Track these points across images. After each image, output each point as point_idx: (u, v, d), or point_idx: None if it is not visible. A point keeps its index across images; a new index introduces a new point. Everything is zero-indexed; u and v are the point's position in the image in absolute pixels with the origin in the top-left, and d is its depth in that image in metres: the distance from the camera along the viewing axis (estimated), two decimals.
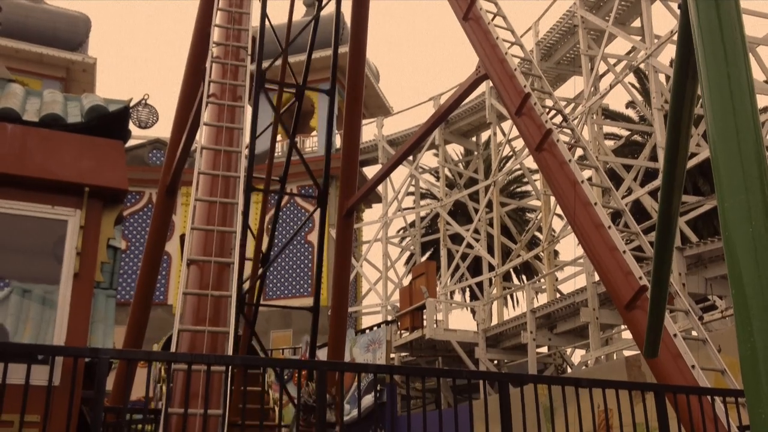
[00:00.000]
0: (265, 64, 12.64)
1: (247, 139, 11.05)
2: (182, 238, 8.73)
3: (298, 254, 31.67)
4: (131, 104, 6.45)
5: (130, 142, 26.99)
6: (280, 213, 30.66)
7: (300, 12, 35.62)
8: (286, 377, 17.95)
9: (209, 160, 8.56)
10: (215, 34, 9.88)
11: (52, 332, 5.41)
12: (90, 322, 5.86)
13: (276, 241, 29.63)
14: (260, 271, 13.14)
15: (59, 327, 5.39)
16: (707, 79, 2.06)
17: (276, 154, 22.89)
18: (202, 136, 8.77)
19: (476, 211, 30.24)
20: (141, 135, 30.26)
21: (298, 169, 25.95)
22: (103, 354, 5.13)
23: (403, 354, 25.27)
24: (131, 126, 6.61)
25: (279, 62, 13.83)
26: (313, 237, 31.83)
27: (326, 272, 30.14)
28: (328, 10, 18.69)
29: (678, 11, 2.51)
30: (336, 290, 14.55)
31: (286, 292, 30.95)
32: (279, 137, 32.81)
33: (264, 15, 12.16)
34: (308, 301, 31.38)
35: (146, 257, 14.86)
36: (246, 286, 12.68)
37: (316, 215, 28.43)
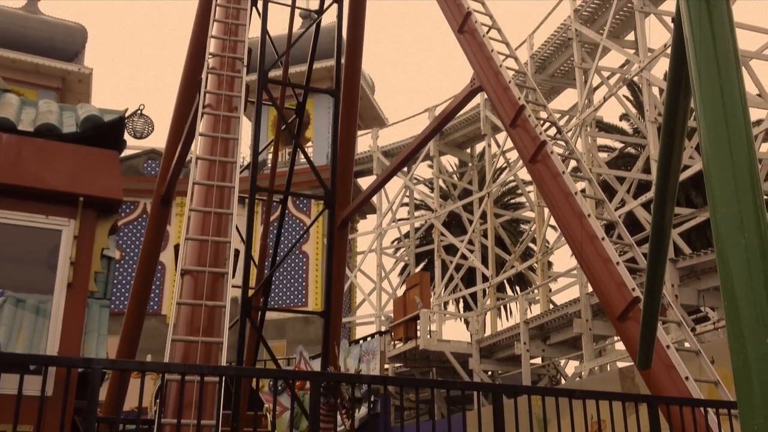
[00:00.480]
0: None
1: (245, 147, 11.05)
2: (176, 248, 8.67)
3: (293, 265, 31.62)
4: (127, 114, 6.46)
5: (126, 153, 26.92)
6: (271, 227, 30.65)
7: (296, 24, 35.70)
8: (279, 388, 17.88)
9: (204, 170, 8.57)
10: (211, 45, 9.91)
11: (45, 342, 5.39)
12: (83, 332, 5.84)
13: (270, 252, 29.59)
14: (268, 272, 13.10)
15: (52, 337, 5.37)
16: (700, 91, 2.08)
17: (268, 165, 22.90)
18: (198, 147, 8.78)
19: (470, 222, 30.27)
20: (136, 145, 30.23)
21: (296, 179, 25.95)
22: (96, 364, 5.11)
23: (396, 365, 25.22)
24: (126, 136, 6.63)
25: (277, 72, 13.88)
26: (308, 248, 31.79)
27: (320, 282, 30.10)
28: (325, 21, 18.74)
29: (672, 25, 2.54)
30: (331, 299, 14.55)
31: (280, 302, 30.87)
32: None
33: (266, 10, 12.12)
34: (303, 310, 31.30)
35: (140, 267, 14.84)
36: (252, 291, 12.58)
37: (313, 225, 28.41)
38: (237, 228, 9.09)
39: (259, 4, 12.87)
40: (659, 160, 2.77)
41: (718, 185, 2.01)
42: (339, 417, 7.85)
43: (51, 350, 5.32)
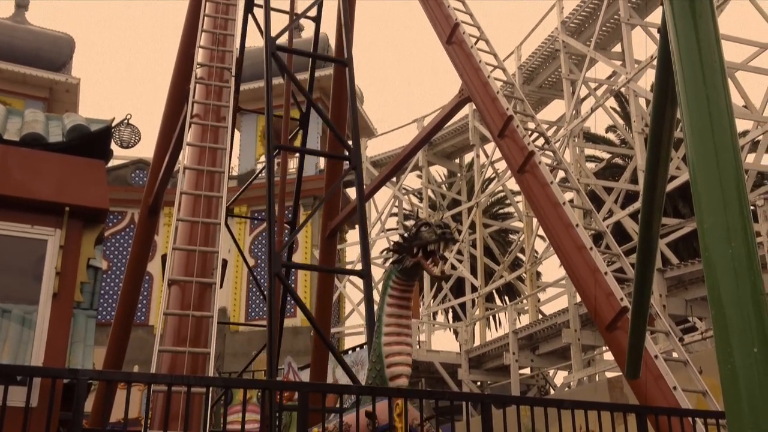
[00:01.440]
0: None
1: (234, 157, 10.87)
2: (164, 258, 8.49)
3: None
4: (113, 124, 6.43)
5: (113, 162, 26.71)
6: (260, 237, 30.55)
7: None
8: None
9: (192, 180, 8.55)
10: (199, 55, 9.91)
11: (30, 353, 5.34)
12: (69, 342, 5.79)
13: (259, 262, 29.49)
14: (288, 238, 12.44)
15: (37, 347, 5.32)
16: (687, 102, 2.09)
17: (261, 176, 22.85)
18: (185, 157, 8.76)
19: (459, 232, 30.29)
20: (124, 155, 30.10)
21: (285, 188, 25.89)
22: (81, 375, 5.06)
23: None
24: (114, 146, 6.61)
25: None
26: (297, 258, 31.68)
27: (309, 293, 29.99)
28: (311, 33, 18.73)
29: (658, 36, 2.54)
30: (319, 310, 14.50)
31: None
32: (262, 157, 32.77)
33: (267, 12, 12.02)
34: (292, 322, 31.15)
35: (127, 277, 14.74)
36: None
37: (300, 236, 28.26)
38: (229, 230, 8.98)
39: (256, 11, 12.90)
40: (646, 171, 2.78)
41: (704, 195, 2.02)
42: (426, 270, 5.64)
43: (36, 361, 5.27)
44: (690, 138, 2.06)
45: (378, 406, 5.67)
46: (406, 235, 5.83)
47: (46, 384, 5.02)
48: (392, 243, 5.90)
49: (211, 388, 6.01)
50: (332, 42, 14.06)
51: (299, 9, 13.54)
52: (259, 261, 29.83)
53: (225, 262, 10.17)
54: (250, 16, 13.62)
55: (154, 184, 13.93)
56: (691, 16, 2.12)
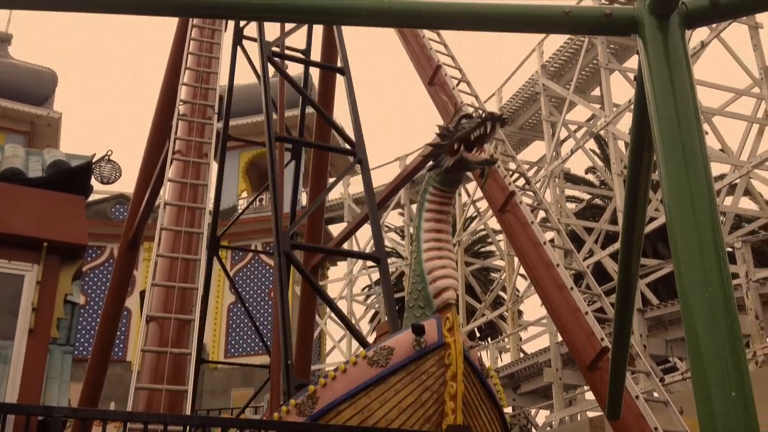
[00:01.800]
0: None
1: (212, 195, 10.83)
2: (143, 294, 8.44)
3: (261, 310, 31.26)
4: (94, 160, 6.42)
5: (94, 197, 26.51)
6: (240, 272, 30.36)
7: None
8: None
9: (172, 216, 8.52)
10: (182, 93, 9.94)
11: (4, 389, 5.26)
12: (45, 378, 5.70)
13: (246, 294, 29.24)
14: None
15: (12, 384, 5.24)
16: (662, 148, 2.13)
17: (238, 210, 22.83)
18: (166, 192, 8.74)
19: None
20: (104, 190, 29.91)
21: (264, 226, 25.83)
22: (56, 412, 4.98)
23: None
24: (94, 181, 6.59)
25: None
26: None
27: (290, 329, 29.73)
28: (295, 72, 18.85)
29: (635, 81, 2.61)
30: (300, 347, 14.39)
31: (248, 350, 30.45)
32: (245, 194, 32.76)
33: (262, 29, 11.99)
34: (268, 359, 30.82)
35: (105, 313, 14.56)
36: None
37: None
38: (221, 262, 8.95)
39: (245, 43, 12.98)
40: (624, 213, 2.82)
41: (681, 239, 2.04)
42: (470, 162, 5.13)
43: (11, 397, 5.18)
44: (666, 183, 2.09)
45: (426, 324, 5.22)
46: (444, 132, 5.15)
47: (20, 421, 4.93)
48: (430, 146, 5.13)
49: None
50: (318, 64, 13.95)
51: (291, 40, 13.55)
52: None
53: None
54: (239, 47, 13.64)
55: (134, 219, 13.85)
56: (666, 65, 2.17)
